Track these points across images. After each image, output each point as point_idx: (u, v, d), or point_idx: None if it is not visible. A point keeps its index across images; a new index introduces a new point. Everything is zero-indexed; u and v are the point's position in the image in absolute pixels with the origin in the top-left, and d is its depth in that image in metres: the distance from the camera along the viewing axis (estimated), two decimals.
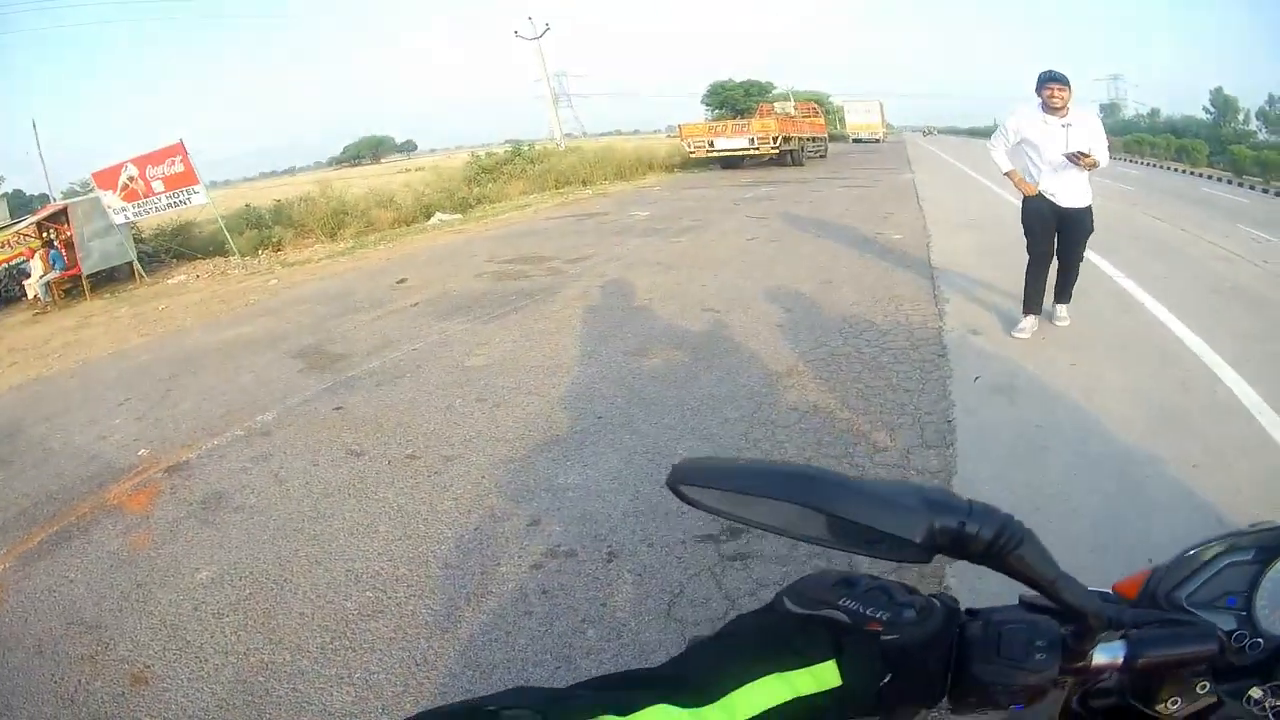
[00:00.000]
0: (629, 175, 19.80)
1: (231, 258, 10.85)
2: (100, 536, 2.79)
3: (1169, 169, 26.62)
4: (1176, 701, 0.52)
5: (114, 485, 3.25)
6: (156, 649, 2.10)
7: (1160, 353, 3.75)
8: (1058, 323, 4.18)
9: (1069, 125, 3.62)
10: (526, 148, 22.20)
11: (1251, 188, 18.10)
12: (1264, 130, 38.37)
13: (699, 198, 13.22)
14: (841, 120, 43.08)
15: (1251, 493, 2.34)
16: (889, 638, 0.44)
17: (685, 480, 0.43)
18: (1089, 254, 4.31)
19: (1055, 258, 4.02)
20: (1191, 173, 24.71)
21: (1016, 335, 4.03)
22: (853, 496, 0.40)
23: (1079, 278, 4.13)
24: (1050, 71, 3.63)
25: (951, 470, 2.60)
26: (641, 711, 0.36)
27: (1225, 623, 0.57)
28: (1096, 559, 2.02)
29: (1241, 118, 40.80)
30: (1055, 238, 3.95)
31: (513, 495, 2.73)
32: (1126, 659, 0.50)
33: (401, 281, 7.36)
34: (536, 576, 2.22)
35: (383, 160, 73.50)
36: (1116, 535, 2.17)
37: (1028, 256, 4.05)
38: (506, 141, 33.12)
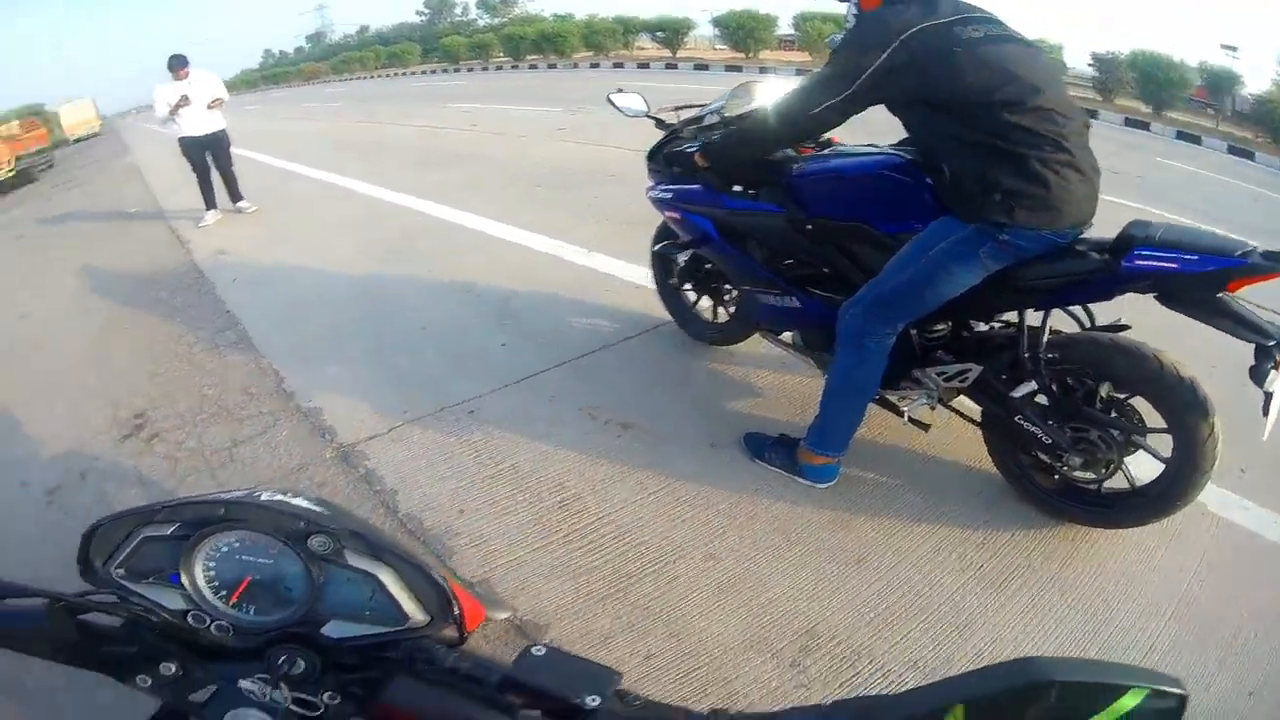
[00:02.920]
0: None
1: None
2: None
3: (384, 76, 30.50)
4: (146, 680, 0.51)
5: None
6: None
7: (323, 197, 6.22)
8: (247, 210, 5.87)
9: (191, 83, 5.45)
10: None
11: (457, 70, 25.39)
12: (484, 17, 39.33)
13: None
14: (60, 124, 37.10)
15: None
16: None
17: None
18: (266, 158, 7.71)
19: (215, 169, 5.74)
20: (409, 73, 29.80)
21: (200, 226, 5.58)
22: None
23: (241, 178, 5.91)
24: (174, 57, 5.43)
25: (247, 336, 3.53)
26: None
27: (174, 601, 0.54)
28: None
29: (460, 10, 41.81)
30: (206, 155, 5.68)
31: None
32: None
33: None
34: None
35: None
36: (372, 336, 3.39)
37: (196, 174, 5.75)
38: None
